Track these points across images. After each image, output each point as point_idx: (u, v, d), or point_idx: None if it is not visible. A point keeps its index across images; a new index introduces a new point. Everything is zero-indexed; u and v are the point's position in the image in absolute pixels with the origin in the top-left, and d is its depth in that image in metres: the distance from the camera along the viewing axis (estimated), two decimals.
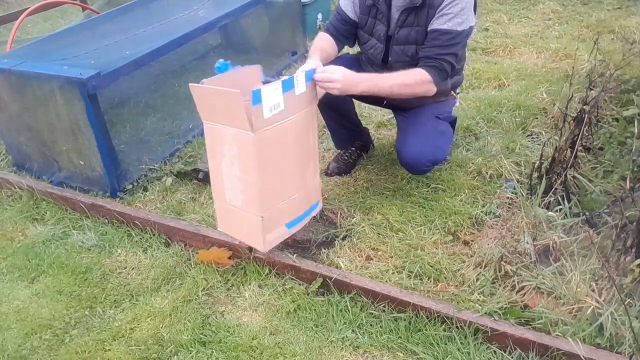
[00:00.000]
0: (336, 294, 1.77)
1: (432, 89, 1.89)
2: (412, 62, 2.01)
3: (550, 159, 2.00)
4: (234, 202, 1.81)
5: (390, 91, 1.85)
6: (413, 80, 1.85)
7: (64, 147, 2.34)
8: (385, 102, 2.29)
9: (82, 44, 2.60)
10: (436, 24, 1.87)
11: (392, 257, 1.90)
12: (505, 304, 1.63)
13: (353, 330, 1.65)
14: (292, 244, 2.02)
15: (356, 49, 2.26)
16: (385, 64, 2.08)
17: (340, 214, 2.14)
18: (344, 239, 2.01)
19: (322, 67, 1.83)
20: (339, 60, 2.15)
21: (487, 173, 2.28)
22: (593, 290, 1.60)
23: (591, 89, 2.16)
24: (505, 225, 1.95)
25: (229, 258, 1.93)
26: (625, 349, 1.46)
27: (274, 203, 1.79)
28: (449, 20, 1.85)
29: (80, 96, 2.08)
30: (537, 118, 2.69)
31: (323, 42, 2.08)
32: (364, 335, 1.64)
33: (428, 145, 2.01)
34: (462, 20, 1.85)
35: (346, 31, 2.11)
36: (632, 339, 1.44)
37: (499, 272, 1.76)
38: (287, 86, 1.64)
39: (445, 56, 1.86)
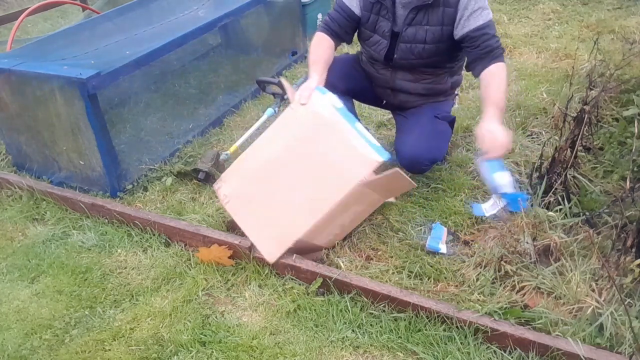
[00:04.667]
0: (336, 294, 1.77)
1: None
2: (418, 61, 2.00)
3: (550, 159, 2.00)
4: None
5: (506, 98, 1.88)
6: (505, 75, 1.87)
7: (64, 147, 2.34)
8: (385, 102, 2.29)
9: (82, 44, 2.60)
10: (471, 24, 1.88)
11: (392, 257, 1.90)
12: (505, 304, 1.62)
13: (353, 330, 1.65)
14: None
15: (354, 48, 2.25)
16: (389, 61, 2.07)
17: None
18: (344, 239, 2.01)
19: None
20: (339, 63, 2.14)
21: None
22: (593, 290, 1.60)
23: (591, 89, 2.16)
24: (505, 225, 1.95)
25: (229, 258, 1.93)
26: (625, 349, 1.46)
27: None
28: (480, 16, 1.88)
29: (80, 96, 2.08)
30: (537, 118, 2.69)
31: (324, 51, 2.04)
32: (364, 335, 1.64)
33: (427, 144, 2.01)
34: (488, 9, 1.90)
35: (349, 27, 2.08)
36: (632, 339, 1.44)
37: (499, 272, 1.76)
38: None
39: (497, 42, 1.89)
